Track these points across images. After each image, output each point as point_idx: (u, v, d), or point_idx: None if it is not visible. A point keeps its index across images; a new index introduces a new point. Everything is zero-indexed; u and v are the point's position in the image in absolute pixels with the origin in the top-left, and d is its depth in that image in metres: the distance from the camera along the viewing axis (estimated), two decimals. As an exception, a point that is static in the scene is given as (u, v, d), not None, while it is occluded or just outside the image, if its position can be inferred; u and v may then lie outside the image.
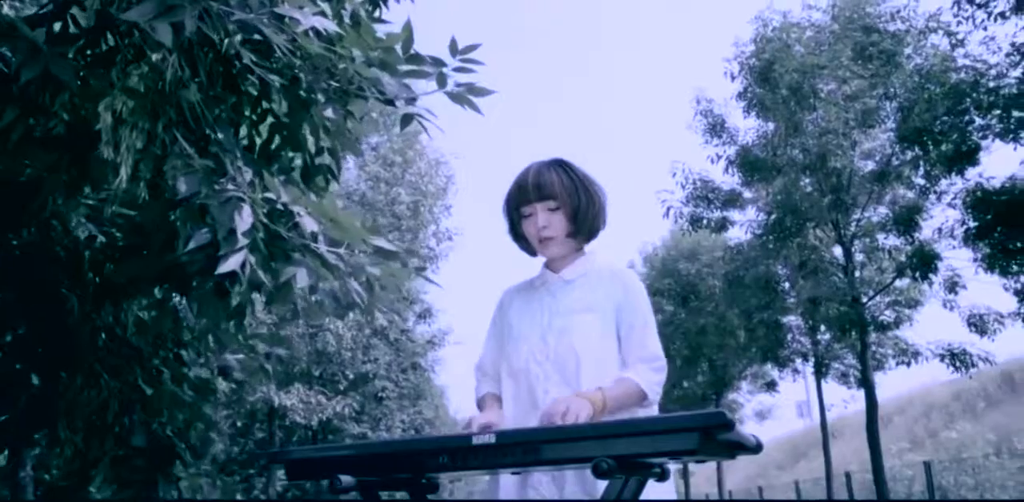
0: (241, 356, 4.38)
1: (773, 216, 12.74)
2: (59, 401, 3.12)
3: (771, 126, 13.41)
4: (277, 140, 3.05)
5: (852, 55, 12.27)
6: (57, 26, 2.54)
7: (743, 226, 14.17)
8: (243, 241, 2.20)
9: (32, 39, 2.20)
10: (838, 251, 13.56)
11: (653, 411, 1.95)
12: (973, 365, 11.97)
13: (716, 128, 14.15)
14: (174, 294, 3.47)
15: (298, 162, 3.11)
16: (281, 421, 16.31)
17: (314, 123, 2.82)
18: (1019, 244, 10.63)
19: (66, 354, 3.15)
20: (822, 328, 14.31)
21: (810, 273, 12.60)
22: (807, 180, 13.09)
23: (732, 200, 13.95)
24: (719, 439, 1.42)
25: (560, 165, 2.01)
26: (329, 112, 2.57)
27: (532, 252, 2.06)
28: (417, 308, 19.31)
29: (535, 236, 1.98)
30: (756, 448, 1.56)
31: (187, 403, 3.82)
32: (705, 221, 13.82)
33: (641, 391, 1.86)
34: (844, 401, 16.25)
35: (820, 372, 14.93)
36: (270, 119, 3.04)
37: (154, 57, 2.42)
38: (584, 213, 1.96)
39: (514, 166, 2.04)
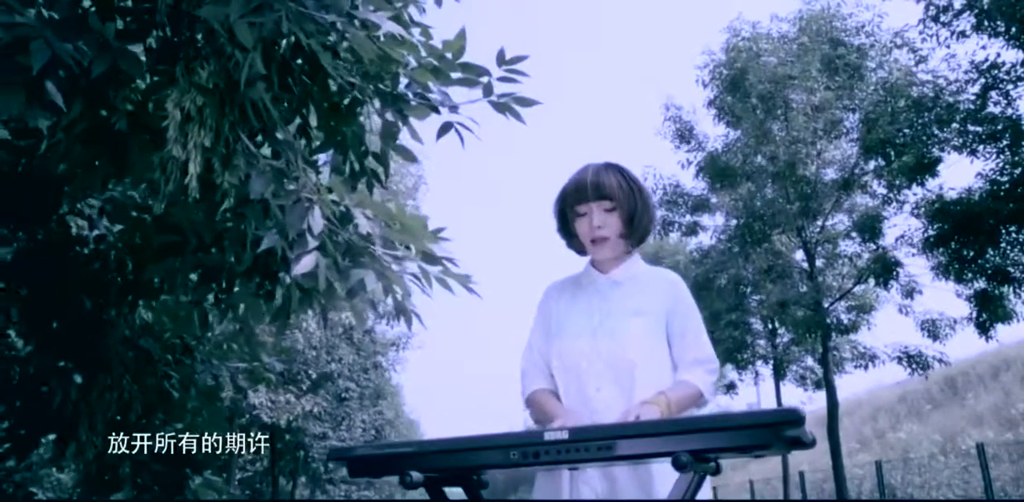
0: (244, 365, 4.33)
1: (742, 221, 13.05)
2: (80, 402, 3.05)
3: (738, 133, 13.74)
4: (303, 142, 3.03)
5: (820, 67, 12.65)
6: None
7: (708, 231, 14.52)
8: (313, 243, 2.20)
9: (102, 33, 2.17)
10: (799, 256, 13.97)
11: (703, 411, 2.03)
12: (929, 366, 12.45)
13: (684, 135, 14.43)
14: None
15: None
16: (239, 419, 16.00)
17: (360, 126, 2.82)
18: (972, 253, 11.10)
19: (90, 354, 3.08)
20: (780, 331, 14.71)
21: (778, 277, 12.94)
22: (772, 187, 13.45)
23: (701, 205, 14.25)
24: (785, 435, 1.48)
25: (617, 168, 2.05)
26: (389, 116, 2.58)
27: (580, 250, 2.10)
28: (379, 309, 19.15)
29: (588, 235, 2.01)
30: (812, 443, 1.64)
31: (197, 408, 3.77)
32: (676, 225, 14.10)
33: (699, 393, 1.93)
34: (803, 402, 16.69)
35: (779, 374, 15.33)
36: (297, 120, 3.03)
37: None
38: (639, 216, 2.02)
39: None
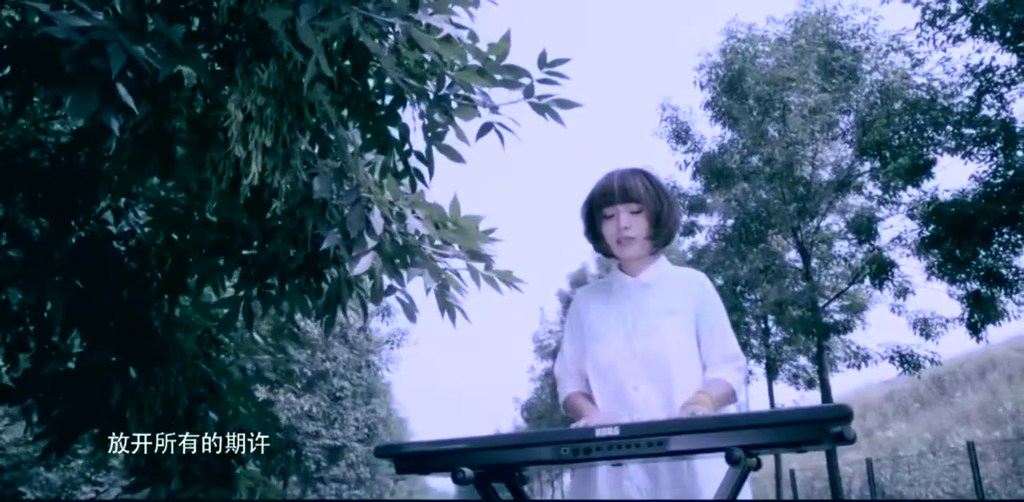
0: (268, 358, 4.34)
1: (738, 221, 13.17)
2: (128, 397, 3.07)
3: (734, 135, 13.85)
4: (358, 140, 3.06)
5: (816, 69, 12.78)
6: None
7: (704, 231, 14.63)
8: (371, 243, 2.25)
9: (169, 36, 2.20)
10: (793, 256, 14.11)
11: (733, 408, 2.08)
12: (920, 366, 12.62)
13: (681, 135, 14.53)
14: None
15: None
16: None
17: (404, 126, 2.87)
18: (966, 254, 11.26)
19: (141, 350, 3.11)
20: (773, 330, 14.83)
21: (775, 277, 13.07)
22: (767, 187, 13.57)
23: (698, 205, 14.37)
24: (832, 431, 1.51)
25: (642, 173, 2.12)
26: (436, 116, 2.62)
27: (608, 253, 2.15)
28: (374, 307, 19.12)
29: (615, 236, 2.07)
30: (854, 439, 1.70)
31: (238, 403, 3.80)
32: (674, 225, 14.19)
33: (733, 390, 1.99)
34: (795, 401, 16.84)
35: (772, 373, 15.45)
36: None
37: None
38: (665, 218, 2.08)
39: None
